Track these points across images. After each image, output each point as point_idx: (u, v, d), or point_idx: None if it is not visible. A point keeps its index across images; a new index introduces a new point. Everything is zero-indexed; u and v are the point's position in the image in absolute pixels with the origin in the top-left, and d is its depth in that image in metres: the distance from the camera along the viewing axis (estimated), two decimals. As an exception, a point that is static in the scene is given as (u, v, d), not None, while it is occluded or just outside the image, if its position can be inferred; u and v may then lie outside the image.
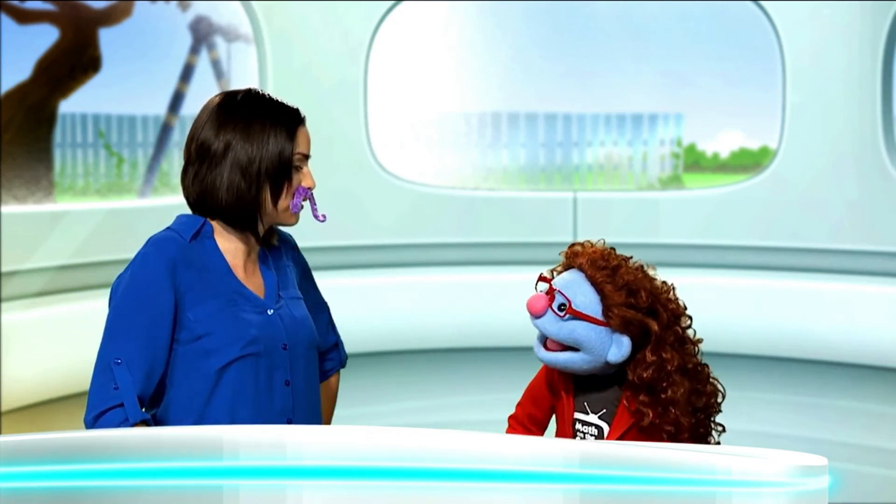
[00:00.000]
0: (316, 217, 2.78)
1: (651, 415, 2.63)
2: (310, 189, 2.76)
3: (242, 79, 6.05)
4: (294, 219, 2.78)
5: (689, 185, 6.23)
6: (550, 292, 2.67)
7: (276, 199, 2.72)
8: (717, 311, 5.90)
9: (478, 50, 6.16)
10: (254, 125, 2.71)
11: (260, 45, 5.94)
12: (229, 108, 2.73)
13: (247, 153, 2.69)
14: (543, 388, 2.79)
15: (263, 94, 2.76)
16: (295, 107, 2.77)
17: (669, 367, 2.65)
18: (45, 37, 5.90)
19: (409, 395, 5.95)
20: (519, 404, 2.82)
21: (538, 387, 2.80)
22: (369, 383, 5.97)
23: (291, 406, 2.75)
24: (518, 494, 2.15)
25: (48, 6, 5.90)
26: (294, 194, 2.74)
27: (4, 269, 5.66)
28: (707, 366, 2.74)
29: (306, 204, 2.78)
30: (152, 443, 2.19)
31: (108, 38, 5.96)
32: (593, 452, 2.19)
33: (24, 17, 5.87)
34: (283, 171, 2.71)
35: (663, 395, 2.64)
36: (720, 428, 2.75)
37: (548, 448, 2.19)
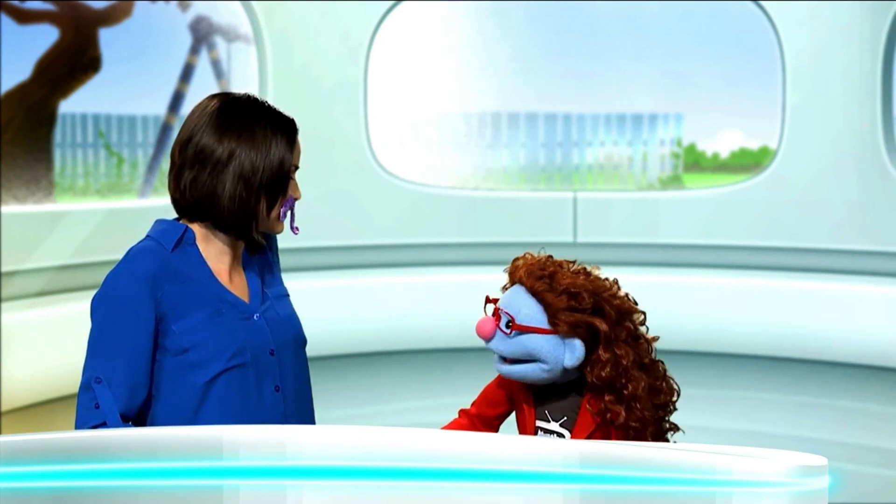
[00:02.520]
0: (291, 229, 2.77)
1: (622, 413, 2.62)
2: (296, 200, 2.75)
3: (242, 79, 6.05)
4: (282, 227, 2.76)
5: (689, 185, 6.22)
6: (496, 312, 2.70)
7: (270, 209, 2.70)
8: (717, 311, 5.91)
9: (478, 50, 6.16)
10: (257, 133, 2.67)
11: (260, 45, 5.94)
12: (231, 114, 2.68)
13: (251, 161, 2.65)
14: (501, 393, 2.79)
15: (263, 102, 2.73)
16: (292, 117, 2.75)
17: (625, 363, 2.63)
18: (45, 37, 5.91)
19: (409, 395, 5.95)
20: (474, 402, 2.83)
21: (495, 390, 2.81)
22: (369, 383, 5.97)
23: (283, 411, 2.71)
24: (518, 494, 2.15)
25: (48, 6, 5.90)
26: (283, 204, 2.72)
27: (4, 269, 5.66)
28: (662, 362, 2.73)
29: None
30: (152, 443, 2.19)
31: (108, 38, 5.96)
32: (593, 452, 2.19)
33: (24, 17, 5.87)
34: (282, 182, 2.70)
35: (625, 392, 2.63)
36: (675, 428, 2.73)
37: (548, 448, 2.19)
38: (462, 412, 2.84)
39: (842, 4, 5.78)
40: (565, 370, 2.66)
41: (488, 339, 2.70)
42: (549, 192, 6.15)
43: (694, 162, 6.25)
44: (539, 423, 2.72)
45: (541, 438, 2.58)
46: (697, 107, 6.19)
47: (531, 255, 2.75)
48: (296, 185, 2.74)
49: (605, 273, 2.74)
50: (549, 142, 6.24)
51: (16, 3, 5.83)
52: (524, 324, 2.65)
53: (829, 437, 5.73)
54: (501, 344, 2.68)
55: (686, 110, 6.20)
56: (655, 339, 2.72)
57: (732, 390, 5.90)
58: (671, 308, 5.80)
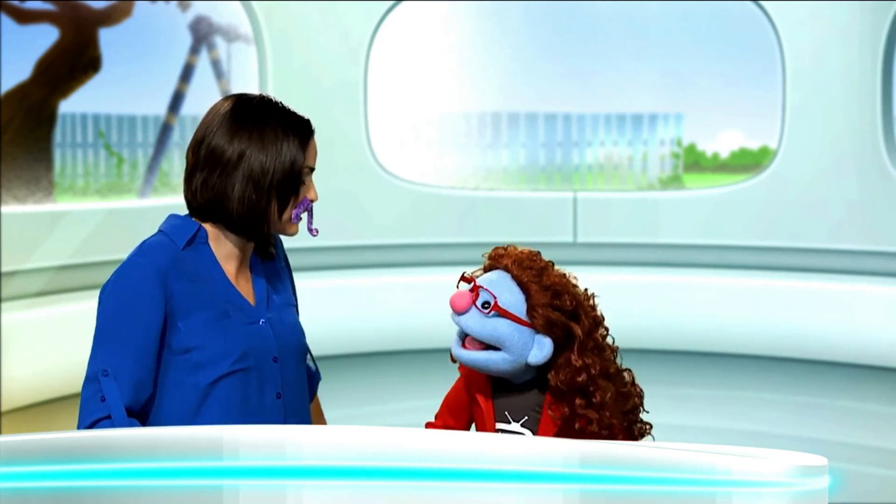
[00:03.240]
0: (310, 230, 2.76)
1: (594, 419, 2.62)
2: (312, 202, 2.74)
3: (242, 79, 6.05)
4: (295, 229, 2.74)
5: (689, 185, 6.23)
6: (475, 290, 2.66)
7: (281, 211, 2.69)
8: (717, 311, 5.91)
9: (478, 50, 6.16)
10: (268, 134, 2.66)
11: (260, 45, 5.94)
12: (243, 115, 2.68)
13: (260, 163, 2.64)
14: (462, 399, 2.77)
15: (277, 102, 2.72)
16: (307, 118, 2.74)
17: (593, 372, 2.63)
18: (45, 37, 5.91)
19: (409, 395, 5.95)
20: (437, 415, 2.81)
21: (456, 398, 2.78)
22: (369, 383, 5.98)
23: (283, 418, 2.71)
24: (518, 494, 2.15)
25: (48, 6, 5.90)
26: (297, 206, 2.71)
27: (4, 269, 5.66)
28: (629, 370, 2.73)
29: (304, 215, 2.76)
30: (152, 443, 2.19)
31: (108, 38, 5.96)
32: (593, 452, 2.19)
33: (24, 17, 5.87)
34: (293, 184, 2.68)
35: (594, 399, 2.63)
36: (648, 426, 2.73)
37: (548, 448, 2.19)
38: (428, 426, 2.82)
39: (842, 4, 5.79)
40: (525, 366, 2.66)
41: (462, 313, 2.66)
42: (549, 192, 6.15)
43: (694, 162, 6.26)
44: (499, 425, 2.71)
45: (541, 438, 2.58)
46: (697, 107, 6.19)
47: (514, 247, 2.73)
48: (311, 186, 2.72)
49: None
50: (549, 142, 6.24)
51: (16, 3, 5.83)
52: (504, 307, 2.62)
53: (829, 437, 5.73)
54: (474, 322, 2.64)
55: (686, 110, 6.21)
56: (618, 348, 2.72)
57: (732, 390, 5.90)
58: (671, 308, 5.80)
